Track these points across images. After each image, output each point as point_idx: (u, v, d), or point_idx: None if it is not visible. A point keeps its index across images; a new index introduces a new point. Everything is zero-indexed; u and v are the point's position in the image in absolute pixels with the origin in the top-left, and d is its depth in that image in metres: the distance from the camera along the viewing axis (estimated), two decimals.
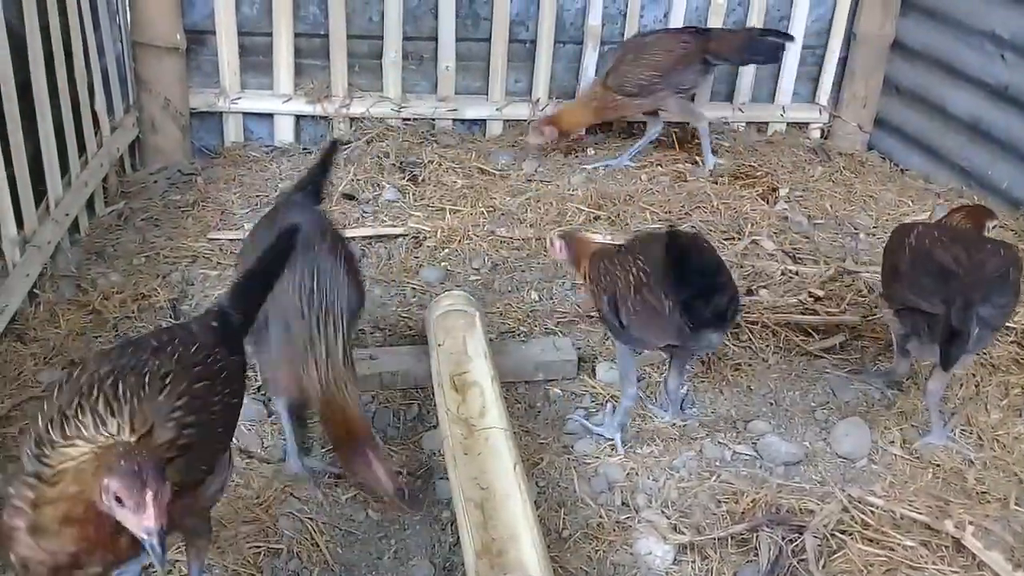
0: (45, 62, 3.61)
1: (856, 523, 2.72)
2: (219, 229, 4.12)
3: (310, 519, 2.67)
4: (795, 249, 4.20)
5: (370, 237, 4.10)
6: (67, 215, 3.80)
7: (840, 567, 2.59)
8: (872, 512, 2.76)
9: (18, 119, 3.35)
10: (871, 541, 2.66)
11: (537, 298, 3.80)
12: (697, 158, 4.97)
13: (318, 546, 2.59)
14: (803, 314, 3.68)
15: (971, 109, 4.81)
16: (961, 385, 3.35)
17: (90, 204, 4.15)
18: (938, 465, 2.99)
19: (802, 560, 2.58)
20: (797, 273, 3.96)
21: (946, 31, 5.01)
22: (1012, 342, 3.60)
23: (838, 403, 3.28)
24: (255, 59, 4.93)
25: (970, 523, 2.68)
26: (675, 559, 2.62)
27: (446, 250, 4.06)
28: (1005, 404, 3.29)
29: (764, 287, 3.85)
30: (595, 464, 2.97)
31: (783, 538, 2.62)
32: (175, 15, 4.65)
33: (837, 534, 2.68)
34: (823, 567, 2.57)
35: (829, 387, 3.36)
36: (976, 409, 3.25)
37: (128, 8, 4.55)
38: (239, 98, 4.92)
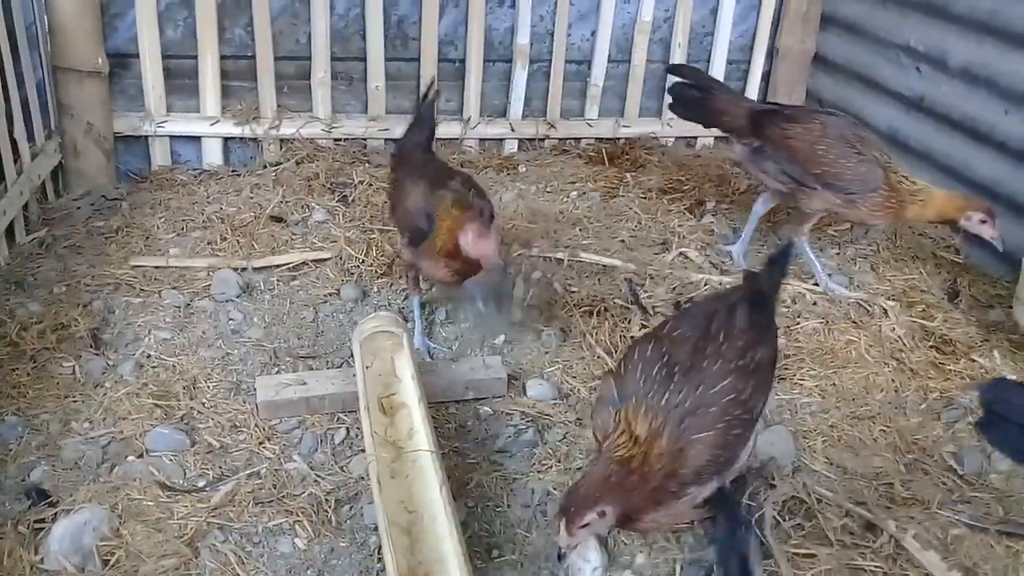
0: None
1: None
2: (143, 255, 4.05)
3: (233, 551, 2.62)
4: (721, 261, 4.27)
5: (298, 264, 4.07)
6: None
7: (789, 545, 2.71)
8: (819, 501, 2.88)
9: None
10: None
11: (465, 317, 3.80)
12: (628, 174, 5.05)
13: None
14: None
15: (889, 120, 4.95)
16: (881, 391, 3.44)
17: (10, 232, 4.05)
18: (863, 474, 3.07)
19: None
20: (721, 284, 4.02)
21: (864, 45, 5.17)
22: (930, 347, 3.70)
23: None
24: (181, 82, 4.87)
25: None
26: (605, 571, 2.63)
27: (379, 270, 4.04)
28: (924, 408, 3.38)
29: (691, 299, 3.90)
30: (525, 481, 2.98)
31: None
32: (96, 39, 4.58)
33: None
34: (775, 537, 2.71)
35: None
36: (896, 414, 3.34)
37: (48, 32, 4.47)
38: (165, 121, 4.86)
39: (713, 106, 4.12)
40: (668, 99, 4.42)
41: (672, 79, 4.35)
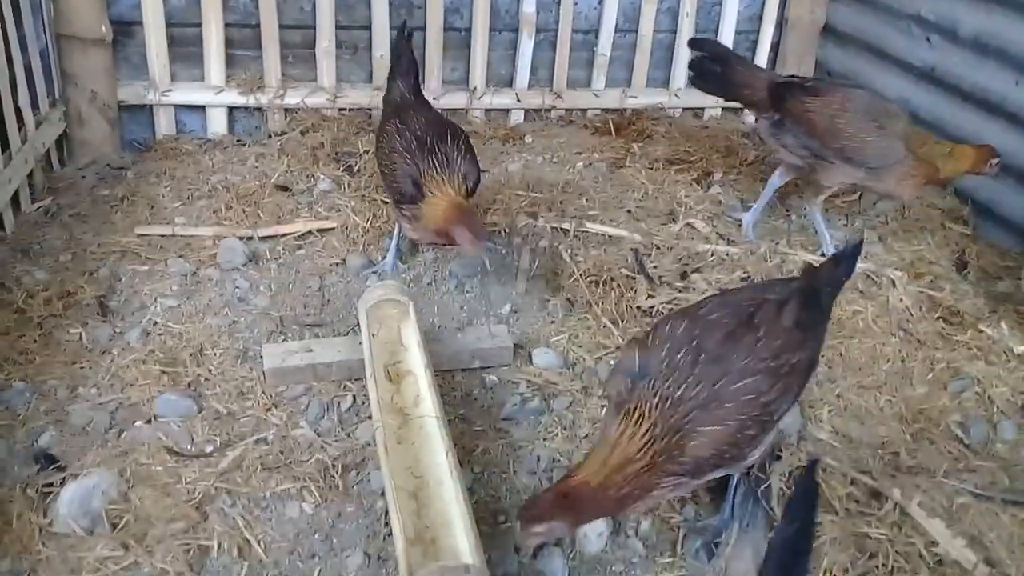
0: None
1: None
2: (149, 224, 4.04)
3: (241, 515, 2.64)
4: (728, 232, 4.25)
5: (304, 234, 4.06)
6: None
7: None
8: (824, 470, 2.87)
9: None
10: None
11: (471, 288, 3.79)
12: (634, 145, 5.03)
13: (249, 542, 2.56)
14: None
15: (900, 91, 4.90)
16: (888, 361, 3.44)
17: (15, 201, 4.05)
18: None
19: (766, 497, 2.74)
20: (728, 255, 4.01)
21: (874, 15, 5.11)
22: (938, 318, 3.69)
23: None
24: (185, 50, 4.84)
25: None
26: (608, 539, 2.65)
27: (385, 240, 4.03)
28: (930, 378, 3.37)
29: (697, 269, 3.89)
30: (531, 448, 2.98)
31: (751, 476, 2.76)
32: (100, 6, 4.55)
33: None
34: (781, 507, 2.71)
35: None
36: (902, 384, 3.33)
37: (51, 0, 4.44)
38: (169, 90, 4.84)
39: (734, 79, 4.08)
40: (689, 73, 4.32)
41: (694, 53, 4.29)
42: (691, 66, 4.31)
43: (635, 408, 2.35)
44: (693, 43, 4.37)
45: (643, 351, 2.45)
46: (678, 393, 2.33)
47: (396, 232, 3.84)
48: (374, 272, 3.81)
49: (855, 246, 2.76)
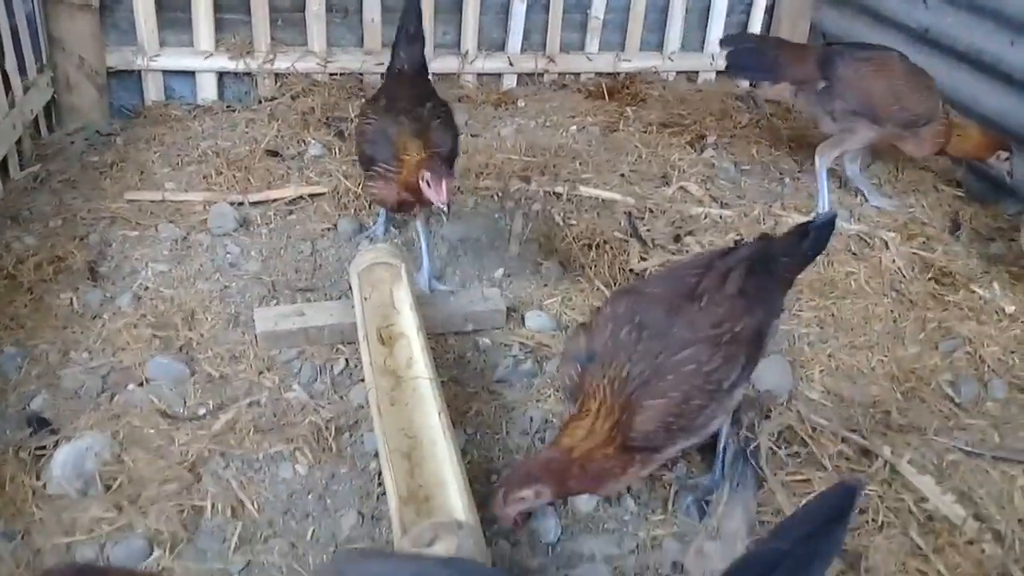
0: None
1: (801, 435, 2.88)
2: (138, 189, 4.02)
3: (234, 477, 2.64)
4: (721, 195, 4.24)
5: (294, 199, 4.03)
6: None
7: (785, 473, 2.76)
8: (814, 430, 2.89)
9: None
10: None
11: (462, 252, 3.79)
12: (628, 109, 4.99)
13: (243, 502, 2.57)
14: None
15: None
16: (880, 321, 3.44)
17: (4, 167, 4.01)
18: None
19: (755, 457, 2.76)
20: (721, 217, 4.00)
21: None
22: (930, 279, 3.69)
23: None
24: (173, 15, 4.78)
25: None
26: (600, 498, 2.66)
27: (375, 205, 4.01)
28: (922, 338, 3.38)
29: (690, 232, 3.88)
30: (524, 410, 2.99)
31: (740, 436, 2.78)
32: None
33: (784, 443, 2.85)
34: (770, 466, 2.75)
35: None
36: (894, 344, 3.34)
37: None
38: (158, 55, 4.78)
39: (780, 60, 4.07)
40: (724, 64, 4.21)
41: (727, 48, 4.19)
42: (728, 57, 4.18)
43: (591, 393, 2.34)
44: (726, 41, 4.28)
45: (588, 335, 2.43)
46: (624, 372, 2.32)
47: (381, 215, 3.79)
48: (367, 237, 3.80)
49: (828, 220, 2.69)
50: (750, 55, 4.14)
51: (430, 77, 3.75)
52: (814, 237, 2.64)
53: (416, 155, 3.17)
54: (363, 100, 3.68)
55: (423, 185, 3.09)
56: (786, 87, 4.30)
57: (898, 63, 3.99)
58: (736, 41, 4.28)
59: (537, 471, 2.28)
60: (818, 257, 2.90)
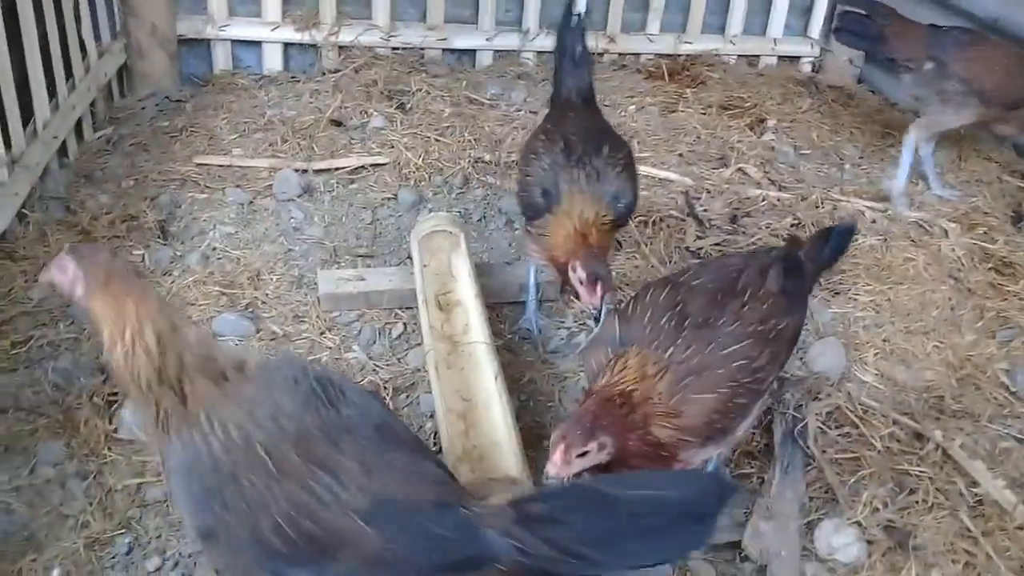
0: None
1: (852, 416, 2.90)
2: (207, 154, 4.13)
3: None
4: (780, 177, 4.23)
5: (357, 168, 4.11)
6: (55, 138, 3.81)
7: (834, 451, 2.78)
8: (865, 411, 2.89)
9: (4, 40, 3.34)
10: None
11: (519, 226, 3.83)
12: (688, 90, 4.99)
13: None
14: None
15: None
16: (937, 307, 3.42)
17: (79, 129, 4.16)
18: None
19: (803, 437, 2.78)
20: (779, 200, 4.00)
21: None
22: (990, 268, 3.66)
23: (815, 325, 3.34)
24: None
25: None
26: None
27: (435, 177, 4.08)
28: (979, 326, 3.36)
29: (748, 214, 3.89)
30: (576, 380, 3.04)
31: (790, 418, 2.80)
32: None
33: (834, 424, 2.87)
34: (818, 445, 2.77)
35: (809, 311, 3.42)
36: (950, 331, 3.32)
37: None
38: (227, 25, 4.89)
39: (884, 32, 4.04)
40: (834, 25, 4.21)
41: (840, 8, 4.21)
42: (840, 18, 4.20)
43: (623, 367, 2.21)
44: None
45: (623, 321, 2.34)
46: (666, 355, 2.21)
47: (531, 275, 3.26)
48: (525, 329, 3.27)
49: (848, 228, 2.69)
50: (859, 21, 4.11)
51: (597, 103, 3.39)
52: (834, 243, 2.62)
53: (576, 219, 2.78)
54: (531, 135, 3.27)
55: (572, 277, 2.74)
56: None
57: (1006, 46, 4.00)
58: (853, 2, 4.26)
59: (600, 420, 2.10)
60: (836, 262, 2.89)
